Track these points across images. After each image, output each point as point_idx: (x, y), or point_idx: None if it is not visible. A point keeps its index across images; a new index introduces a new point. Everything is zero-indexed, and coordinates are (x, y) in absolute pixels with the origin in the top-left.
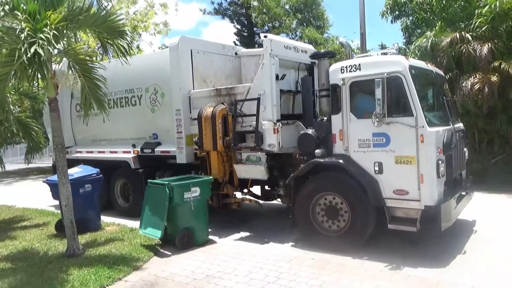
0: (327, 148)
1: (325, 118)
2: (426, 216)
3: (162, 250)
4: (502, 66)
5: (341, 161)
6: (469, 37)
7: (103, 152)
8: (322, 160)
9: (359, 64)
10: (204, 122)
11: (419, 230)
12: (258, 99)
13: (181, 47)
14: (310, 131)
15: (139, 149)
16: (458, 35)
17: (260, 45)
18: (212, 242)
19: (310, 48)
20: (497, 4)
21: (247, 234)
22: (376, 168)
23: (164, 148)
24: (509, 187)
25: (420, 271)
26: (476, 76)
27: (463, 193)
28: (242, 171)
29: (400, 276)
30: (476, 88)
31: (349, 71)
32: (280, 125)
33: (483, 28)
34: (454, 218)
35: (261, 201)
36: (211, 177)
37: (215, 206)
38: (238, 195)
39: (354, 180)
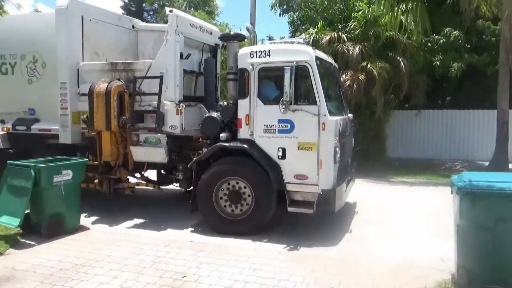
0: (232, 133)
1: (231, 102)
2: (322, 199)
3: (23, 240)
4: (368, 67)
5: (246, 145)
6: (345, 38)
7: None
8: (227, 145)
9: (269, 50)
10: (96, 98)
11: (315, 212)
12: (161, 78)
13: (70, 11)
14: (215, 114)
15: (10, 126)
16: (336, 35)
17: (150, 23)
18: (84, 229)
19: (215, 29)
20: (370, 10)
21: (141, 220)
22: (280, 154)
23: (43, 125)
24: (369, 173)
25: (314, 250)
26: (347, 74)
27: (349, 177)
28: (140, 153)
29: (287, 255)
30: (347, 84)
31: (259, 57)
32: (184, 106)
33: (357, 31)
34: (344, 200)
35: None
36: (86, 159)
37: (106, 192)
38: (132, 180)
39: (258, 165)
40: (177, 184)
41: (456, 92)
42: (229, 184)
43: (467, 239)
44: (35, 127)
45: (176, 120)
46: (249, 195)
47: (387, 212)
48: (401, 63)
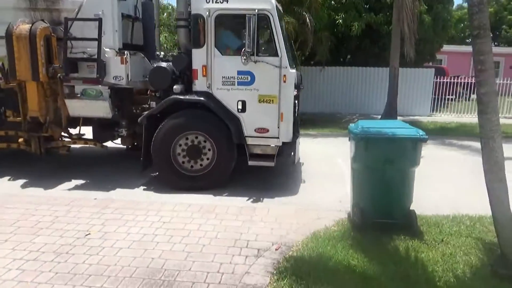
0: (184, 84)
1: (181, 52)
2: (282, 151)
3: None
4: None
5: (204, 98)
6: None
7: None
8: (183, 97)
9: None
10: (16, 42)
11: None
12: (100, 20)
13: None
14: (164, 64)
15: None
16: None
17: None
18: None
19: None
20: None
21: (81, 181)
22: (240, 107)
23: None
24: None
25: (224, 200)
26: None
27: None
28: (77, 107)
29: (196, 207)
30: None
31: (215, 2)
32: (128, 54)
33: None
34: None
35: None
36: None
37: (36, 152)
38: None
39: (217, 118)
40: (117, 141)
41: (356, 50)
42: (187, 139)
43: (361, 180)
44: None
45: (121, 70)
46: (209, 149)
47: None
48: (307, 19)
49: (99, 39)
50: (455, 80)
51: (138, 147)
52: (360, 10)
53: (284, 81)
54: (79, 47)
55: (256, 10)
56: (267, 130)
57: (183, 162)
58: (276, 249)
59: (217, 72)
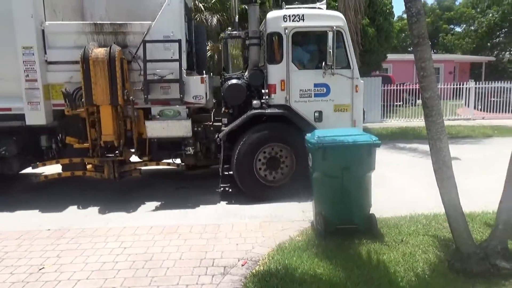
0: (260, 99)
1: (255, 68)
2: None
3: None
4: None
5: (286, 111)
6: (202, 7)
7: None
8: (266, 111)
9: (303, 15)
10: (93, 66)
11: None
12: (179, 42)
13: None
14: (239, 81)
15: None
16: (193, 4)
17: None
18: None
19: None
20: None
21: (30, 212)
22: (317, 116)
23: None
24: None
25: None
26: (208, 44)
27: None
28: (158, 128)
29: (159, 229)
30: (209, 54)
31: (292, 21)
32: (206, 75)
33: (213, 0)
34: None
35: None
36: None
37: (109, 177)
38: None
39: (296, 129)
40: (177, 160)
41: None
42: (271, 149)
43: (321, 188)
44: None
45: (201, 90)
46: (286, 157)
47: None
48: None
49: (180, 60)
50: (401, 87)
51: (197, 166)
52: None
53: (356, 91)
54: (150, 69)
55: (334, 27)
56: None
57: (265, 175)
58: (242, 265)
59: (294, 86)
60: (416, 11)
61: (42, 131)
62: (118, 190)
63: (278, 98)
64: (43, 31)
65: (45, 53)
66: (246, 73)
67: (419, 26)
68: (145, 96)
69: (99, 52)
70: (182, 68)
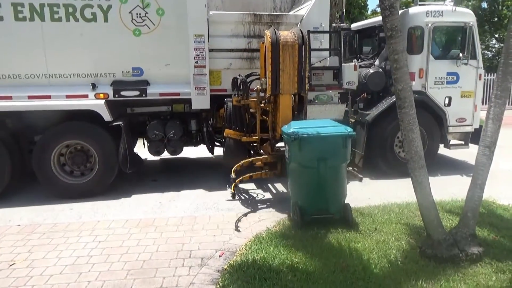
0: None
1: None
2: (473, 135)
3: None
4: None
5: (424, 96)
6: None
7: (37, 97)
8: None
9: (442, 11)
10: (282, 51)
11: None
12: (339, 33)
13: None
14: (379, 69)
15: (108, 92)
16: None
17: None
18: None
19: None
20: None
21: None
22: (446, 102)
23: (164, 89)
24: None
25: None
26: None
27: None
28: (316, 112)
29: (134, 222)
30: None
31: (433, 16)
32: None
33: None
34: None
35: None
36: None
37: (281, 175)
38: None
39: (428, 113)
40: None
41: None
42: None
43: (297, 179)
44: (153, 91)
45: (354, 76)
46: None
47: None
48: None
49: (340, 49)
50: None
51: None
52: None
53: (479, 79)
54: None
55: (471, 23)
56: (465, 119)
57: (399, 152)
58: (220, 256)
59: (431, 74)
60: (389, 4)
61: (194, 116)
62: None
63: (415, 85)
64: (207, 20)
65: (209, 40)
66: (377, 62)
67: (392, 19)
68: (309, 82)
69: (288, 36)
70: (341, 57)
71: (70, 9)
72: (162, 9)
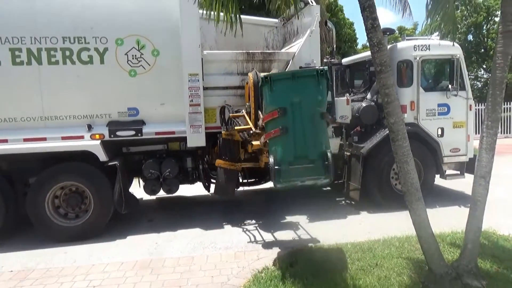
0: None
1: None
2: (467, 165)
3: None
4: None
5: (417, 128)
6: None
7: (32, 140)
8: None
9: (428, 45)
10: None
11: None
12: (330, 68)
13: None
14: (371, 103)
15: (104, 132)
16: None
17: None
18: None
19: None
20: None
21: None
22: (439, 133)
23: (160, 128)
24: None
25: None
26: None
27: None
28: None
29: (130, 264)
30: None
31: (421, 50)
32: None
33: None
34: None
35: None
36: None
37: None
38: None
39: (422, 144)
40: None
41: None
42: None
43: (273, 125)
44: (149, 131)
45: (347, 110)
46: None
47: None
48: None
49: (332, 84)
50: None
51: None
52: None
53: (470, 109)
54: None
55: (458, 55)
56: (459, 149)
57: (395, 184)
58: None
59: (422, 106)
60: (377, 41)
61: (189, 154)
62: None
63: (408, 117)
64: (201, 59)
65: (203, 79)
66: (369, 95)
67: (381, 55)
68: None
69: None
70: (334, 91)
71: (67, 53)
72: (157, 50)
